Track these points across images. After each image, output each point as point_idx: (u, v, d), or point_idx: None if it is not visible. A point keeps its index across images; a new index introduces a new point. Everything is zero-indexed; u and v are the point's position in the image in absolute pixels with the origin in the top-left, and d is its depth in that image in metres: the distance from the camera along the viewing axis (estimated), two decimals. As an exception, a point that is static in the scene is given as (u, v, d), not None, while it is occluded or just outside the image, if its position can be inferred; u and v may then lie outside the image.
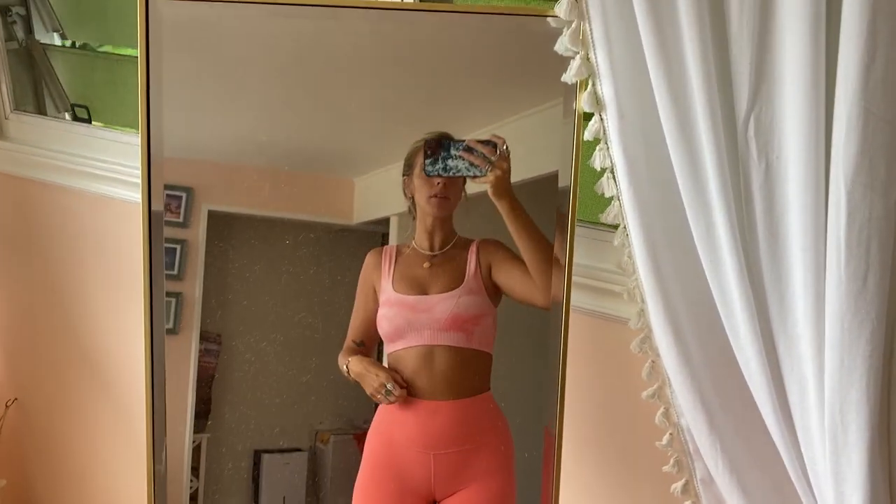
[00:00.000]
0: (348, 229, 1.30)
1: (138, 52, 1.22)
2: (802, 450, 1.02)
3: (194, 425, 1.34)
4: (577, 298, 1.22)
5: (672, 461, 1.20)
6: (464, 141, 1.18)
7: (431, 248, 1.26)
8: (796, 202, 0.96)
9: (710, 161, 0.98)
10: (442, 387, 1.26)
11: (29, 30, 1.77)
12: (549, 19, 1.10)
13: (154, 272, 1.28)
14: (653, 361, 1.16)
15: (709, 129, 0.97)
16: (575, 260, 1.19)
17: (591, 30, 1.04)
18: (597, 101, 1.08)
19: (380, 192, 1.27)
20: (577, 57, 1.07)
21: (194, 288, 1.31)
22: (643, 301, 1.13)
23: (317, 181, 1.31)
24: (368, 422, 1.30)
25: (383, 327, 1.27)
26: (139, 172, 1.58)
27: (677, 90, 0.98)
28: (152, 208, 1.26)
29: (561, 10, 1.05)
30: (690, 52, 0.96)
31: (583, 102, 1.09)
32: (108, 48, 1.76)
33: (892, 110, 0.87)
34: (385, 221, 1.28)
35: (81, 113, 1.74)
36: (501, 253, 1.24)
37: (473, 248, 1.25)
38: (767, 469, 1.11)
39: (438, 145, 1.18)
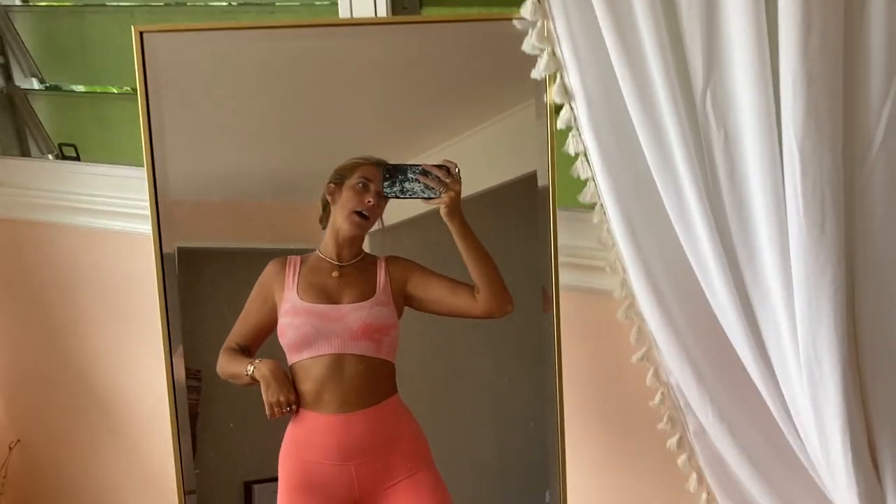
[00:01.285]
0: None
1: (138, 93, 1.28)
2: (782, 388, 1.12)
3: (183, 463, 1.36)
4: (563, 276, 1.31)
5: (665, 418, 1.28)
6: (420, 165, 1.27)
7: (339, 259, 1.30)
8: (755, 164, 1.05)
9: (673, 135, 1.08)
10: (353, 396, 1.28)
11: (8, 77, 1.81)
12: (514, 22, 1.20)
13: (170, 315, 1.33)
14: (639, 326, 1.25)
15: (670, 107, 1.06)
16: (559, 241, 1.29)
17: (555, 27, 1.13)
18: (566, 91, 1.17)
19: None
20: (545, 53, 1.16)
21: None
22: (624, 271, 1.22)
23: (286, 207, 1.34)
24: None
25: (287, 336, 1.28)
26: (131, 202, 1.66)
27: (639, 76, 1.08)
28: (163, 250, 1.31)
29: (526, 10, 1.14)
30: (648, 41, 1.05)
31: (553, 94, 1.18)
32: (91, 87, 1.81)
33: (831, 75, 0.96)
34: (358, 240, 1.32)
35: (69, 151, 1.79)
36: (420, 270, 1.31)
37: (381, 263, 1.31)
38: (754, 415, 1.20)
39: (396, 169, 1.27)
